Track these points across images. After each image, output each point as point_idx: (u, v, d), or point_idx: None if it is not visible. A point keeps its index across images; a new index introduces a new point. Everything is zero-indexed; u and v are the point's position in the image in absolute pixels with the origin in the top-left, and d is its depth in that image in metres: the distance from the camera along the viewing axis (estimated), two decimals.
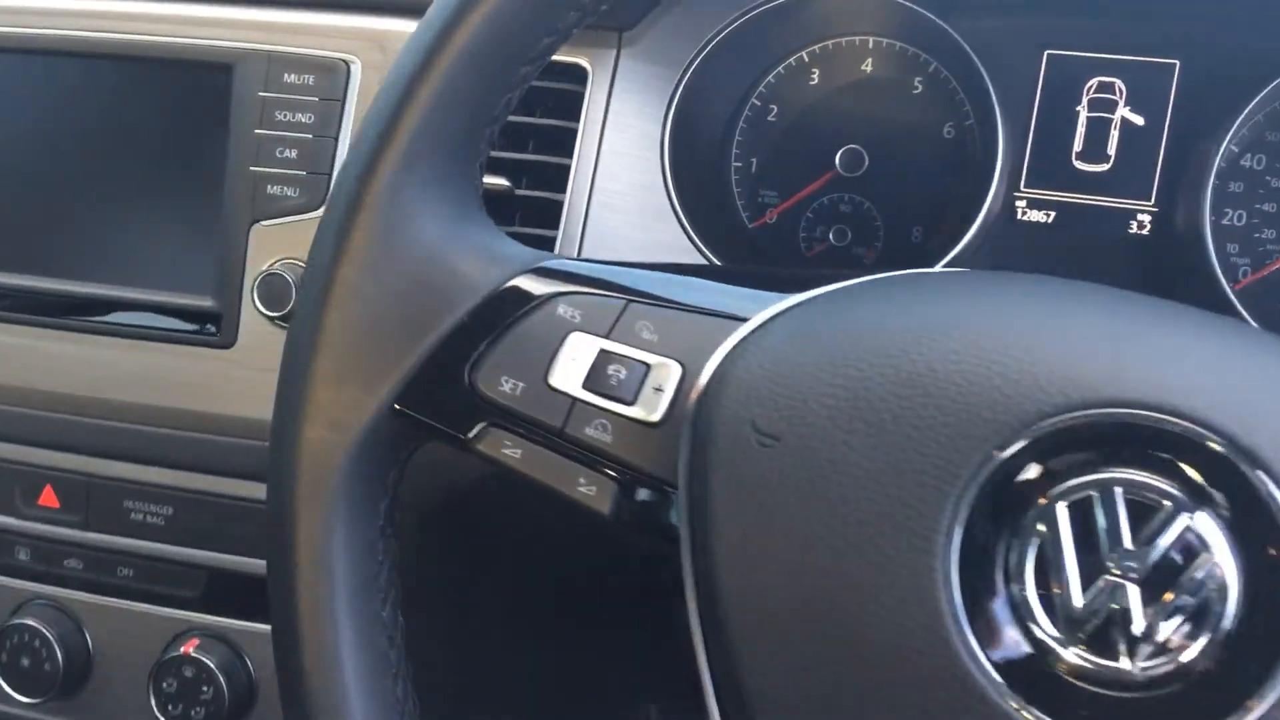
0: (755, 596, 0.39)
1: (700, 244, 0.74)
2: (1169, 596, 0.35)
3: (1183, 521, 0.35)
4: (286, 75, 0.71)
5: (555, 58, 0.56)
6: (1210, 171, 0.71)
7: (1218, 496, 0.36)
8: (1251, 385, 0.37)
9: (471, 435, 0.44)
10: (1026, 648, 0.36)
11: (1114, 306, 0.41)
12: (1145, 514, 0.36)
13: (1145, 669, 0.35)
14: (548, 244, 0.70)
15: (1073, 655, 0.35)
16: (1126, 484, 0.36)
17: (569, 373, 0.43)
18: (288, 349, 0.45)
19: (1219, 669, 0.34)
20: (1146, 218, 0.75)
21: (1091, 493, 0.36)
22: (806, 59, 0.81)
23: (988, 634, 0.36)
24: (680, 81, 0.74)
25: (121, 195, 0.75)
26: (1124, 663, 0.35)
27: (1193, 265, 0.71)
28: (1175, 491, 0.36)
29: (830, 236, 0.81)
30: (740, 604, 0.39)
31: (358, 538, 0.44)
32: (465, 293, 0.45)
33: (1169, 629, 0.35)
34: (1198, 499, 0.36)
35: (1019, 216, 0.77)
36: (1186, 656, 0.35)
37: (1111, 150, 0.76)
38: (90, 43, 0.73)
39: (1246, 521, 0.35)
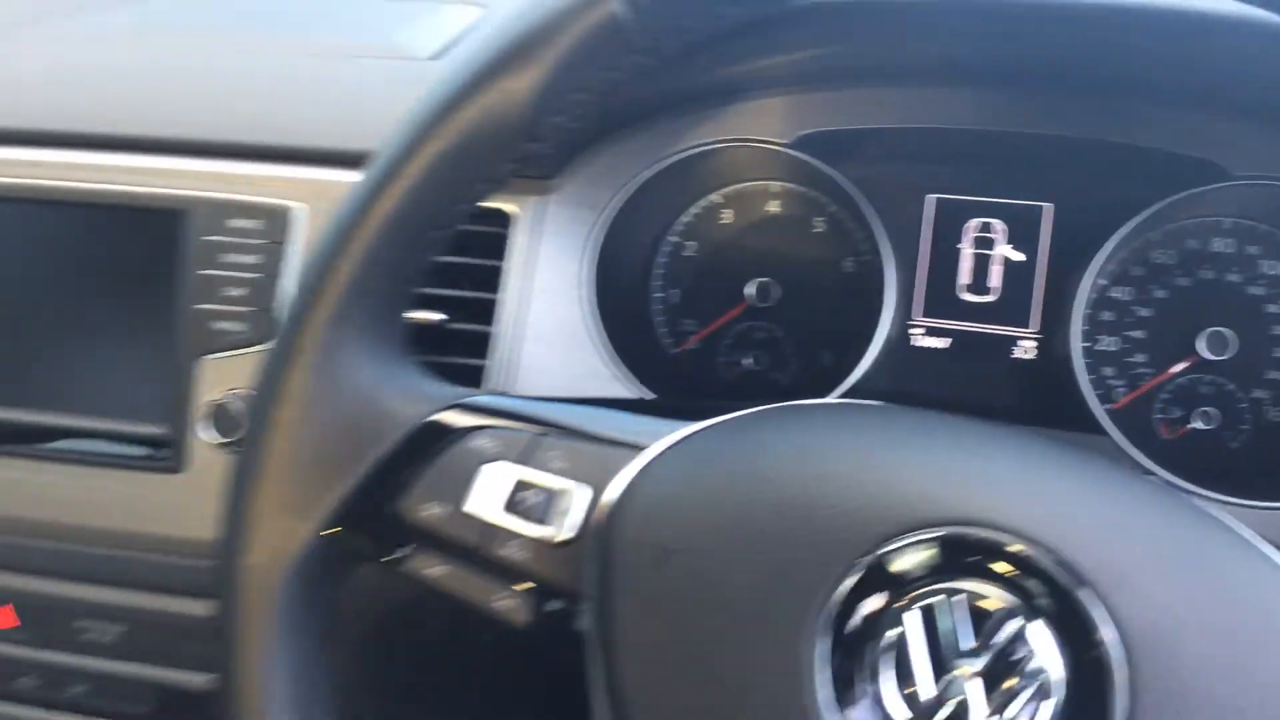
0: (652, 694, 0.42)
1: (623, 372, 0.79)
2: (1006, 686, 0.40)
3: (1015, 624, 0.40)
4: (233, 220, 0.74)
5: (484, 204, 0.59)
6: (1080, 302, 0.76)
7: (1045, 604, 0.41)
8: (1075, 509, 0.43)
9: (397, 557, 0.48)
10: None
11: (964, 437, 0.47)
12: (984, 617, 0.41)
13: None
14: (478, 373, 0.76)
15: None
16: (968, 593, 0.41)
17: (486, 498, 0.48)
18: (230, 482, 0.49)
19: None
20: (1030, 344, 0.81)
21: (938, 600, 0.41)
22: (719, 200, 0.88)
23: None
24: (599, 224, 0.78)
25: (75, 329, 0.76)
26: None
27: (1070, 388, 0.78)
28: (1010, 597, 0.41)
29: (746, 361, 0.87)
30: (640, 702, 0.43)
31: (297, 656, 0.47)
32: (391, 428, 0.49)
33: (1007, 716, 0.39)
34: (1029, 605, 0.41)
35: (914, 343, 0.84)
36: None
37: (994, 283, 0.83)
38: (50, 190, 0.76)
39: (1069, 624, 0.40)
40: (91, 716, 0.78)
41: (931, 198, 0.82)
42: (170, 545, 0.75)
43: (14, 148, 0.78)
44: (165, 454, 0.75)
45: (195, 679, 0.76)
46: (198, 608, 0.75)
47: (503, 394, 0.53)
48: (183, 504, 0.74)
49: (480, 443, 0.48)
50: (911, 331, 0.83)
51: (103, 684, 0.77)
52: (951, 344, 0.82)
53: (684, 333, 0.88)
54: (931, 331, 0.82)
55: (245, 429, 0.49)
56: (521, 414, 0.50)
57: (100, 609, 0.76)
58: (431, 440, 0.49)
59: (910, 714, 0.39)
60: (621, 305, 0.83)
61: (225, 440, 0.73)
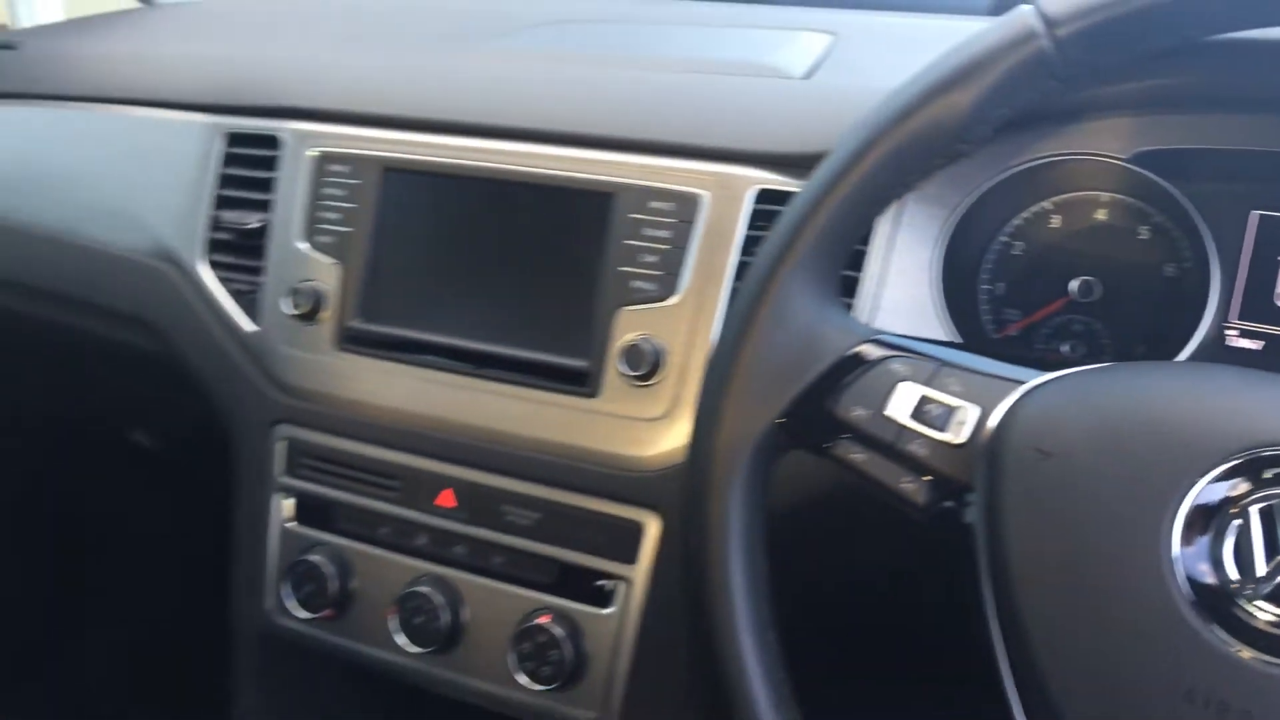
0: (1037, 571, 0.56)
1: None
2: None
3: None
4: (652, 202, 0.93)
5: None
6: None
7: None
8: None
9: (829, 445, 0.65)
10: (1224, 598, 0.52)
11: None
12: None
13: None
14: None
15: (1255, 604, 0.52)
16: None
17: (899, 407, 0.63)
18: (709, 380, 0.66)
19: None
20: None
21: (1275, 503, 0.53)
22: (1050, 207, 1.00)
23: (1198, 587, 0.53)
24: (950, 220, 0.92)
25: (523, 282, 0.98)
26: None
27: None
28: None
29: (1064, 349, 0.99)
30: (1026, 577, 0.56)
31: (750, 510, 0.64)
32: (828, 351, 0.66)
33: None
34: None
35: (1228, 343, 0.93)
36: None
37: None
38: (511, 174, 0.99)
39: None
40: (506, 582, 0.99)
41: (1255, 213, 0.91)
42: (582, 454, 0.95)
43: (488, 140, 1.01)
44: (584, 383, 0.94)
45: (589, 559, 0.95)
46: (598, 504, 0.95)
47: (906, 335, 0.68)
48: (595, 423, 0.94)
49: (895, 366, 0.64)
50: (1227, 332, 0.92)
51: (518, 557, 0.98)
52: (1264, 346, 0.90)
53: (1006, 320, 1.00)
54: (1246, 334, 0.91)
55: (720, 345, 0.67)
56: (923, 351, 0.65)
57: (522, 499, 0.97)
58: (857, 362, 0.65)
59: (1240, 577, 0.52)
60: (954, 291, 0.97)
61: (634, 374, 0.92)
